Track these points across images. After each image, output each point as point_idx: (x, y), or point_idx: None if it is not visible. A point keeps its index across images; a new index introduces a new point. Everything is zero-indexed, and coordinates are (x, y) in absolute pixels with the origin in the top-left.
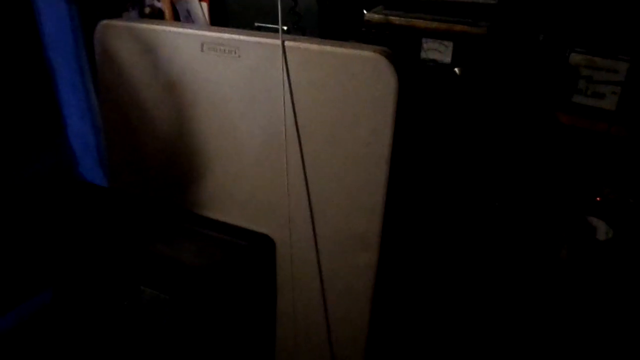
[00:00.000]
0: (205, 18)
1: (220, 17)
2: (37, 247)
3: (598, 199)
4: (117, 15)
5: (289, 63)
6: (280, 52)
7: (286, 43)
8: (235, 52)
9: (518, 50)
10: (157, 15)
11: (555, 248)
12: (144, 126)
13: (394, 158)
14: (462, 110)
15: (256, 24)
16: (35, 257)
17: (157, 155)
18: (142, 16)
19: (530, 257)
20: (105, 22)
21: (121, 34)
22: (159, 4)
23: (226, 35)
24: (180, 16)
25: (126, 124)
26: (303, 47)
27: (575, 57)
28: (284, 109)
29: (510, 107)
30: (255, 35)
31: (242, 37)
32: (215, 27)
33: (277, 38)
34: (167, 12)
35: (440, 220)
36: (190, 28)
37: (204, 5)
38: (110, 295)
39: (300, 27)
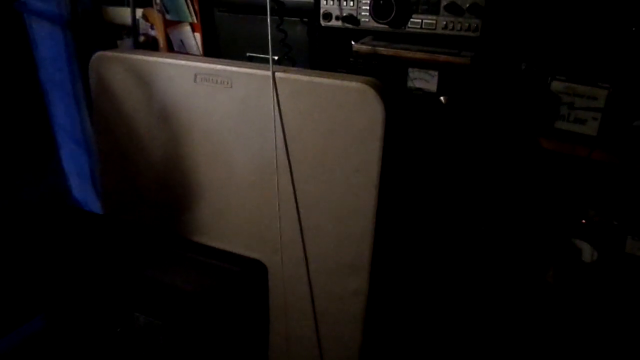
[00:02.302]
0: (199, 48)
1: (213, 47)
2: (29, 272)
3: (583, 221)
4: (113, 43)
5: (279, 93)
6: (271, 82)
7: (276, 74)
8: (227, 83)
9: (501, 78)
10: (151, 43)
11: (541, 271)
12: (138, 154)
13: (383, 185)
14: (448, 136)
15: (248, 54)
16: (27, 283)
17: (150, 183)
18: (137, 44)
19: (517, 281)
20: (100, 52)
21: (116, 65)
22: (153, 33)
23: (219, 67)
24: (174, 46)
25: (120, 152)
26: (293, 78)
27: (557, 85)
28: (275, 138)
29: (494, 134)
30: (246, 67)
31: (234, 68)
32: (208, 58)
33: (268, 69)
34: (162, 42)
35: (429, 245)
36: (184, 59)
37: (197, 35)
38: (104, 322)
39: (290, 57)
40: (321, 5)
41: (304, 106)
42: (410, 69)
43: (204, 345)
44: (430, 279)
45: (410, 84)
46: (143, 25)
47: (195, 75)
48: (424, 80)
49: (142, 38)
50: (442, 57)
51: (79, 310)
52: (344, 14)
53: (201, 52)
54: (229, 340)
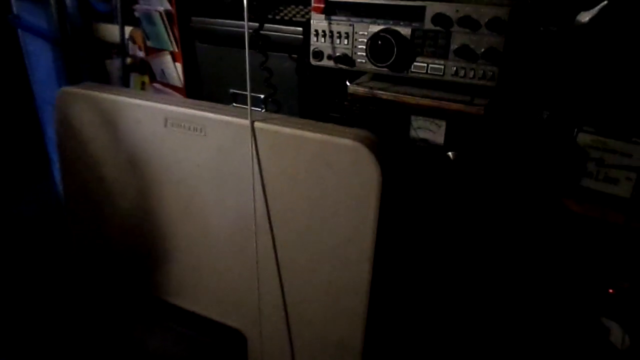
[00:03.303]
0: (180, 79)
1: (195, 80)
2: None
3: (611, 290)
4: (101, 62)
5: (259, 145)
6: (250, 134)
7: (256, 124)
8: (201, 130)
9: (519, 129)
10: (138, 66)
11: (566, 351)
12: (105, 201)
13: (379, 256)
14: (457, 199)
15: (231, 91)
16: None
17: (120, 234)
18: (125, 67)
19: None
20: (65, 88)
21: (81, 102)
22: (141, 54)
23: (190, 111)
24: (155, 74)
25: (87, 198)
26: (274, 130)
27: (584, 137)
28: (254, 195)
29: (512, 196)
30: (222, 113)
31: (208, 115)
32: (180, 100)
33: (246, 117)
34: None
35: (435, 328)
36: (154, 101)
37: (178, 65)
38: None
39: (275, 100)
40: (311, 43)
41: (286, 162)
42: (413, 117)
43: None
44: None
45: (413, 133)
46: (131, 46)
47: (166, 120)
48: (430, 131)
49: (129, 60)
50: (451, 105)
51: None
52: (337, 54)
53: (182, 83)
54: None
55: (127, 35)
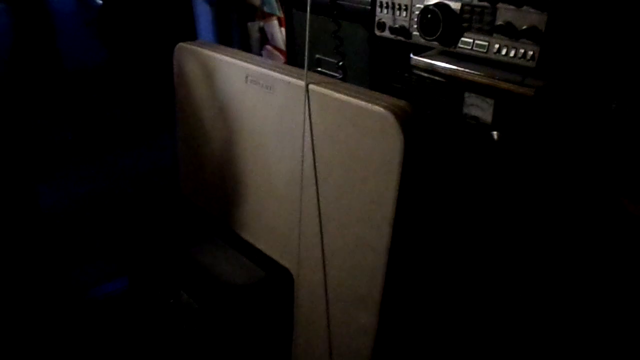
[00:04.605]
0: (284, 42)
1: (293, 43)
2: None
3: None
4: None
5: (310, 106)
6: (304, 94)
7: (310, 86)
8: (269, 88)
9: (577, 119)
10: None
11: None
12: (203, 143)
13: (403, 223)
14: (496, 184)
15: (316, 56)
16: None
17: (212, 172)
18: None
19: None
20: (181, 44)
21: (191, 57)
22: None
23: (262, 70)
24: (267, 37)
25: (192, 138)
26: (323, 92)
27: None
28: (303, 150)
29: (560, 187)
30: (287, 74)
31: (274, 74)
32: (259, 60)
33: (307, 79)
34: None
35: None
36: (238, 59)
37: (283, 30)
38: (165, 292)
39: (342, 66)
40: (376, 14)
41: (330, 122)
42: (466, 93)
43: (230, 336)
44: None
45: (465, 110)
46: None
47: (247, 77)
48: (480, 108)
49: (261, 24)
50: (502, 84)
51: (152, 278)
52: (396, 25)
53: (284, 47)
54: (253, 338)
55: None
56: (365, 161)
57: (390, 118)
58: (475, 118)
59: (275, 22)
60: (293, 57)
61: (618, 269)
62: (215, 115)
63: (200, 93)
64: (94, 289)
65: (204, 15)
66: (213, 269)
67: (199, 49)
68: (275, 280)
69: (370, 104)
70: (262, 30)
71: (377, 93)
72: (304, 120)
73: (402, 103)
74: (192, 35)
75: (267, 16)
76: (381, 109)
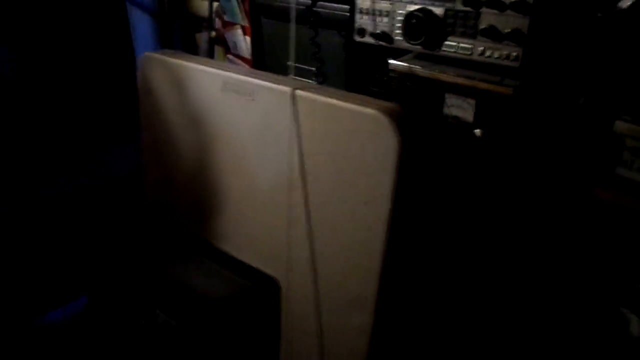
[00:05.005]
0: (248, 51)
1: (260, 52)
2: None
3: None
4: (191, 35)
5: (298, 111)
6: (290, 100)
7: (296, 92)
8: (250, 95)
9: (552, 114)
10: (221, 40)
11: (582, 337)
12: (173, 154)
13: (397, 220)
14: (479, 177)
15: (288, 63)
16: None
17: (183, 183)
18: (210, 40)
19: (555, 349)
20: (147, 53)
21: (158, 67)
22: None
23: (242, 78)
24: (229, 46)
25: (159, 149)
26: (311, 98)
27: (621, 125)
28: (292, 155)
29: (538, 178)
30: (269, 80)
31: (257, 81)
32: (235, 68)
33: (289, 85)
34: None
35: (450, 298)
36: (214, 67)
37: (247, 38)
38: (133, 314)
39: (321, 72)
40: (355, 20)
41: (320, 127)
42: (447, 95)
43: (213, 351)
44: (444, 331)
45: (446, 111)
46: (218, 20)
47: (223, 84)
48: (461, 109)
49: (213, 34)
50: (481, 85)
51: (115, 297)
52: (378, 31)
53: (250, 55)
54: (237, 351)
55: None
56: (358, 163)
57: (385, 120)
58: (456, 118)
59: (239, 30)
60: (260, 65)
61: (591, 250)
62: (187, 125)
63: (170, 103)
64: (44, 314)
65: (142, 25)
66: (191, 283)
67: (168, 58)
68: (261, 288)
69: (362, 107)
70: (213, 40)
71: (365, 96)
72: (291, 126)
73: (392, 105)
74: (128, 45)
75: (228, 25)
76: (375, 112)
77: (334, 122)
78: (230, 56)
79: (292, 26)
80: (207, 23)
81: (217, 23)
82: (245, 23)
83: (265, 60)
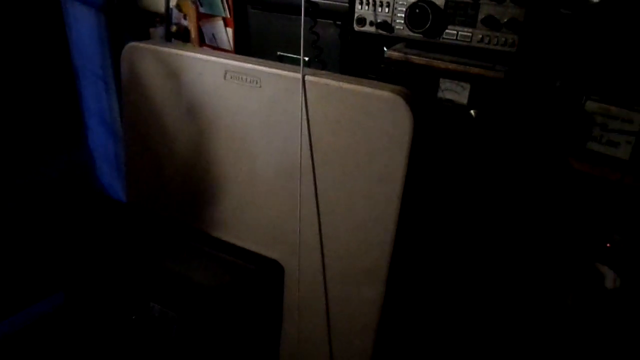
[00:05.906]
0: (230, 43)
1: (244, 43)
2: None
3: (608, 245)
4: (145, 30)
5: (308, 96)
6: (301, 85)
7: (306, 77)
8: (257, 82)
9: (534, 95)
10: (182, 33)
11: (562, 293)
12: (164, 146)
13: (407, 196)
14: (476, 151)
15: (278, 53)
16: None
17: (174, 175)
18: (168, 34)
19: (536, 301)
20: (132, 43)
21: (147, 56)
22: (185, 23)
23: (249, 65)
24: (205, 38)
25: (147, 143)
26: (322, 82)
27: (591, 105)
28: (301, 141)
29: (524, 151)
30: (276, 67)
31: (264, 68)
32: (239, 56)
33: (298, 71)
34: (194, 33)
35: (448, 260)
36: (215, 55)
37: (229, 30)
38: (120, 308)
39: (320, 60)
40: (355, 10)
41: (331, 111)
42: (441, 80)
43: (216, 339)
44: (446, 294)
45: (440, 94)
46: (176, 14)
47: (225, 72)
48: (455, 92)
49: (174, 28)
50: (475, 70)
51: (97, 292)
52: (378, 20)
53: (232, 47)
54: (240, 337)
55: (174, 4)
56: (371, 143)
57: (401, 101)
58: (450, 101)
59: (220, 22)
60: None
61: (567, 212)
62: (183, 115)
63: (162, 93)
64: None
65: (82, 20)
66: (187, 273)
67: (160, 48)
68: (265, 272)
69: (377, 90)
70: (173, 34)
71: (373, 81)
72: (300, 111)
73: (400, 87)
74: (63, 42)
75: (205, 17)
76: (390, 94)
77: (347, 106)
78: (205, 48)
79: (302, 18)
80: (161, 18)
81: (177, 17)
82: (227, 15)
83: (251, 50)
